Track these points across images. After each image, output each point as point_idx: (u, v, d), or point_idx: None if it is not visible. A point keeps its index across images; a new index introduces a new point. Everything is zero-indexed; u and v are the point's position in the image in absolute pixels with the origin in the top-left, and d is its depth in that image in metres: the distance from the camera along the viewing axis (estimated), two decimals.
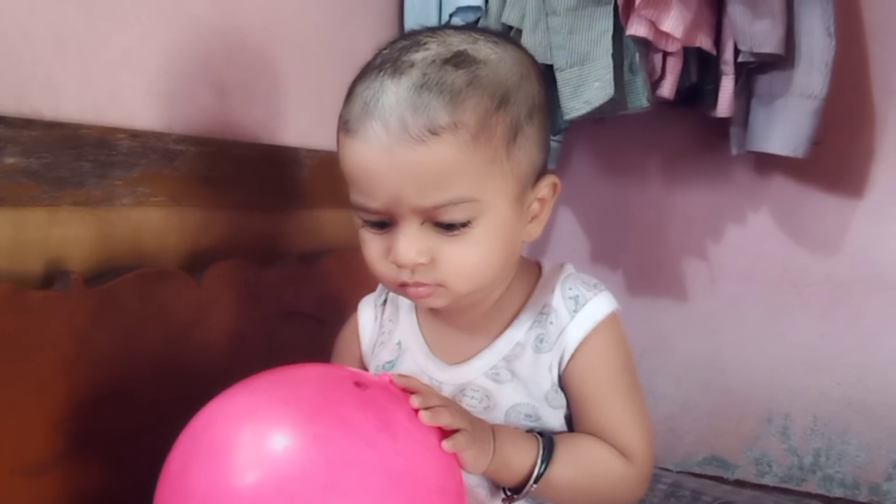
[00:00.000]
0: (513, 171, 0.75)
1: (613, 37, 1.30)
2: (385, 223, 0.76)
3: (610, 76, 1.29)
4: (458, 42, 0.75)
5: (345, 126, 0.75)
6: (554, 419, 0.81)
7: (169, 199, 1.04)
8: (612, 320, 0.82)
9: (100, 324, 0.91)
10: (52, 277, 0.88)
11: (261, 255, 1.17)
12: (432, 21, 1.51)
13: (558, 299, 0.83)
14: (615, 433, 0.79)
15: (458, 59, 0.73)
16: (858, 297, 1.50)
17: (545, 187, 0.80)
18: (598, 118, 1.51)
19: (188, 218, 1.09)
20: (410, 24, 1.57)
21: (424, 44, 0.74)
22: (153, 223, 1.03)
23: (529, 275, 0.86)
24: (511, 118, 0.74)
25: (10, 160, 0.84)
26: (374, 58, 0.77)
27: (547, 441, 0.75)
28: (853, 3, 1.43)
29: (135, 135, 0.99)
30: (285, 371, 0.72)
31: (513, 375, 0.82)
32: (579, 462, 0.76)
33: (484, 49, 0.75)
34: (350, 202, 0.77)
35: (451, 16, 1.49)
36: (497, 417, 0.81)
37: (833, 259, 1.52)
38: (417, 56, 0.73)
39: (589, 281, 0.85)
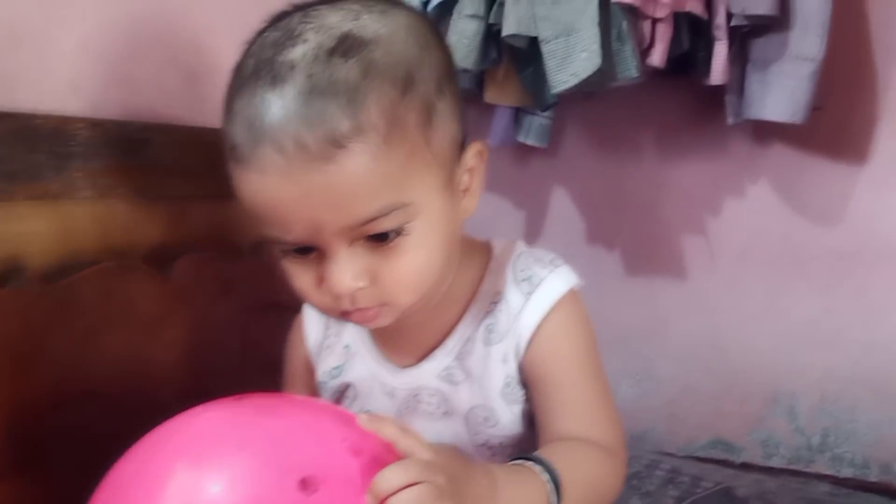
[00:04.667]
0: (436, 158, 0.66)
1: (599, 4, 1.25)
2: (309, 248, 0.67)
3: (597, 46, 1.23)
4: (338, 22, 0.64)
5: (232, 153, 0.64)
6: (508, 417, 0.76)
7: (135, 190, 1.00)
8: (571, 298, 0.76)
9: (58, 323, 0.87)
10: (7, 275, 0.84)
11: (236, 246, 1.14)
12: None
13: (510, 284, 0.76)
14: (589, 424, 0.73)
15: (345, 46, 0.62)
16: (862, 269, 1.45)
17: (472, 157, 0.72)
18: (588, 92, 1.46)
19: (157, 210, 1.04)
20: None
21: (300, 34, 0.63)
22: (119, 216, 0.99)
23: (479, 258, 0.80)
24: (420, 100, 0.65)
25: None
26: (245, 57, 0.66)
27: (549, 471, 0.66)
28: None
29: (95, 124, 0.95)
30: (214, 455, 0.56)
31: (467, 375, 0.76)
32: (583, 481, 0.68)
33: (370, 24, 0.65)
34: (260, 235, 0.68)
35: None
36: (457, 423, 0.76)
37: (835, 231, 1.47)
38: (296, 53, 0.62)
39: (543, 257, 0.78)
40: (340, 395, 0.84)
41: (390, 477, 0.54)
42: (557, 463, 0.66)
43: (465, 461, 0.62)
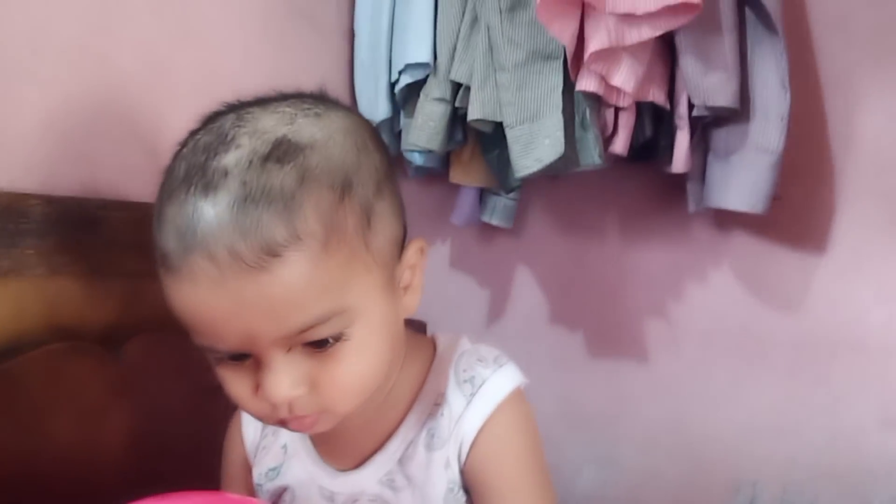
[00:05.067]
0: (375, 260, 0.65)
1: (564, 92, 1.26)
2: (244, 354, 0.64)
3: (560, 133, 1.24)
4: (272, 127, 0.62)
5: (163, 262, 0.62)
6: None
7: (89, 268, 0.98)
8: (514, 399, 0.74)
9: (1, 407, 0.83)
10: None
11: None
12: (381, 78, 1.47)
13: (452, 385, 0.74)
14: None
15: (280, 152, 0.60)
16: (823, 358, 1.44)
17: (413, 254, 0.71)
18: (552, 175, 1.46)
19: (112, 288, 1.02)
20: (360, 80, 1.53)
21: (233, 139, 0.61)
22: (71, 294, 0.97)
23: (423, 355, 0.78)
24: (359, 204, 0.63)
25: None
26: (177, 160, 0.64)
27: None
28: (808, 56, 1.40)
29: (50, 201, 0.93)
30: None
31: (409, 481, 0.74)
32: None
33: (306, 128, 0.63)
34: (193, 343, 0.65)
35: (400, 73, 1.45)
36: None
37: (796, 319, 1.47)
38: (230, 159, 0.60)
39: (487, 356, 0.76)
40: (278, 498, 0.81)
41: None
42: None
43: None
